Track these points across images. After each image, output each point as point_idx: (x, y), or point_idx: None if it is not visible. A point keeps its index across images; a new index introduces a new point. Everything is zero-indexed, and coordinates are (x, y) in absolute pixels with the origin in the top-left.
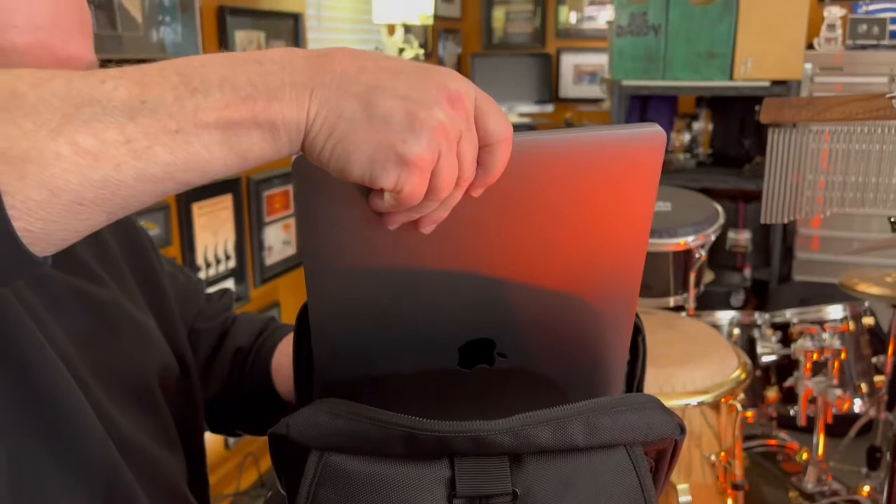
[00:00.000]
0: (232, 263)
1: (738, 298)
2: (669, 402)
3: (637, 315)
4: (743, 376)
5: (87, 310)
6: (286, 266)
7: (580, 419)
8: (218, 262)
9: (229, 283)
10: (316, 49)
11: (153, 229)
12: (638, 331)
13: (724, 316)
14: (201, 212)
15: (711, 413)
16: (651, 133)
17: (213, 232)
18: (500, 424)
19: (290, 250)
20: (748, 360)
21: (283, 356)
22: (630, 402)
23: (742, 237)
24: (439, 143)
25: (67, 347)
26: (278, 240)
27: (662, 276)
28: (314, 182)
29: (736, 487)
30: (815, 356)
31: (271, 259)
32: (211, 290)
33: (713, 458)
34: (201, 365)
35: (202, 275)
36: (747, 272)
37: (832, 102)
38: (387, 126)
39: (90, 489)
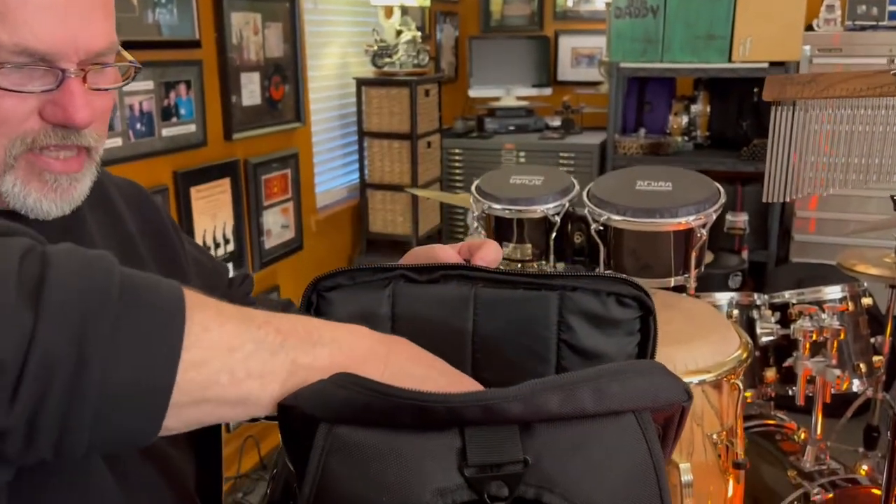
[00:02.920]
0: (231, 247)
1: (735, 280)
2: None
3: (648, 295)
4: (744, 355)
5: None
6: (285, 250)
7: (589, 385)
8: (217, 245)
9: (228, 267)
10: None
11: None
12: (649, 312)
13: (724, 297)
14: (199, 195)
15: (713, 392)
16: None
17: (212, 216)
18: (509, 392)
19: (289, 234)
20: (749, 340)
21: None
22: (637, 367)
23: (740, 219)
24: None
25: None
26: (277, 224)
27: (663, 257)
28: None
29: (737, 466)
30: (813, 336)
31: (270, 243)
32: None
33: (715, 436)
34: None
35: None
36: (745, 254)
37: (835, 79)
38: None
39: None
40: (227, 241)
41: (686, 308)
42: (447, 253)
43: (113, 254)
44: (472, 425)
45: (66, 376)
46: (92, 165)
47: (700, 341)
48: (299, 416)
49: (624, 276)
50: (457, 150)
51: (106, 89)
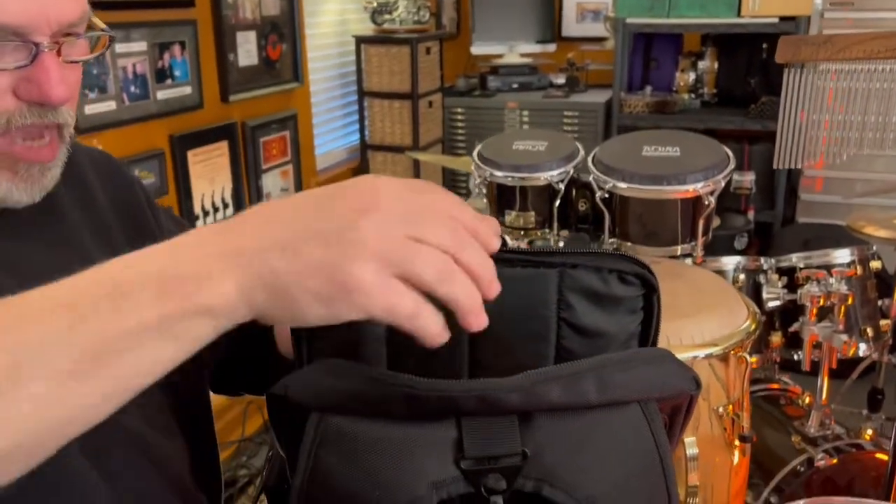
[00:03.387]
0: (230, 211)
1: (741, 241)
2: (677, 356)
3: (651, 273)
4: (752, 326)
5: None
6: None
7: (592, 375)
8: (216, 210)
9: None
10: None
11: (148, 178)
12: (653, 289)
13: (730, 261)
14: (197, 159)
15: (720, 365)
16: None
17: (210, 180)
18: (508, 382)
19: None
20: (757, 310)
21: None
22: (644, 356)
23: (746, 179)
24: (377, 256)
25: None
26: (276, 187)
27: (670, 224)
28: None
29: (743, 439)
30: (821, 301)
31: None
32: None
33: (721, 410)
34: None
35: (200, 223)
36: (751, 214)
37: (852, 40)
38: (323, 267)
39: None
40: (226, 206)
41: (693, 278)
42: None
43: (85, 230)
44: (469, 416)
45: None
46: (64, 148)
47: (707, 313)
48: (289, 404)
49: (626, 253)
50: (459, 110)
51: (79, 61)
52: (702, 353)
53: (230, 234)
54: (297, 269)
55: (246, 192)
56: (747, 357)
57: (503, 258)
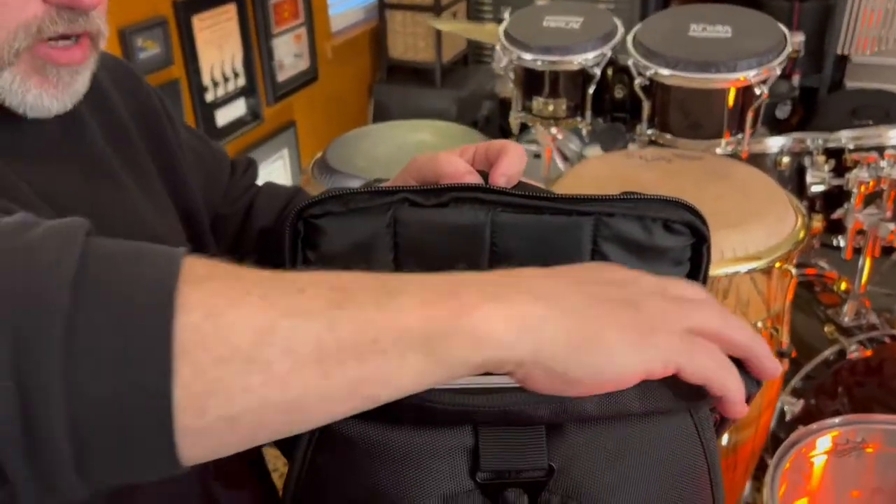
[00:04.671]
0: (241, 81)
1: (784, 110)
2: (717, 270)
3: (703, 220)
4: (801, 235)
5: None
6: (300, 82)
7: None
8: (226, 80)
9: (240, 103)
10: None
11: (152, 48)
12: (703, 239)
13: (774, 143)
14: (203, 25)
15: (762, 278)
16: None
17: (219, 47)
18: (536, 395)
19: (303, 64)
20: (806, 215)
21: None
22: None
23: (795, 40)
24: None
25: None
26: (289, 53)
27: (716, 116)
28: None
29: (781, 355)
30: (870, 185)
31: (283, 75)
32: (222, 110)
33: (759, 324)
34: (227, 250)
35: (210, 95)
36: (796, 79)
37: None
38: (651, 315)
39: None
40: (236, 75)
41: (739, 179)
42: (457, 165)
43: (110, 150)
44: (489, 425)
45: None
46: (96, 55)
47: (753, 223)
48: None
49: (677, 198)
50: None
51: None
52: (744, 267)
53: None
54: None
55: (257, 59)
56: (792, 271)
57: (531, 205)
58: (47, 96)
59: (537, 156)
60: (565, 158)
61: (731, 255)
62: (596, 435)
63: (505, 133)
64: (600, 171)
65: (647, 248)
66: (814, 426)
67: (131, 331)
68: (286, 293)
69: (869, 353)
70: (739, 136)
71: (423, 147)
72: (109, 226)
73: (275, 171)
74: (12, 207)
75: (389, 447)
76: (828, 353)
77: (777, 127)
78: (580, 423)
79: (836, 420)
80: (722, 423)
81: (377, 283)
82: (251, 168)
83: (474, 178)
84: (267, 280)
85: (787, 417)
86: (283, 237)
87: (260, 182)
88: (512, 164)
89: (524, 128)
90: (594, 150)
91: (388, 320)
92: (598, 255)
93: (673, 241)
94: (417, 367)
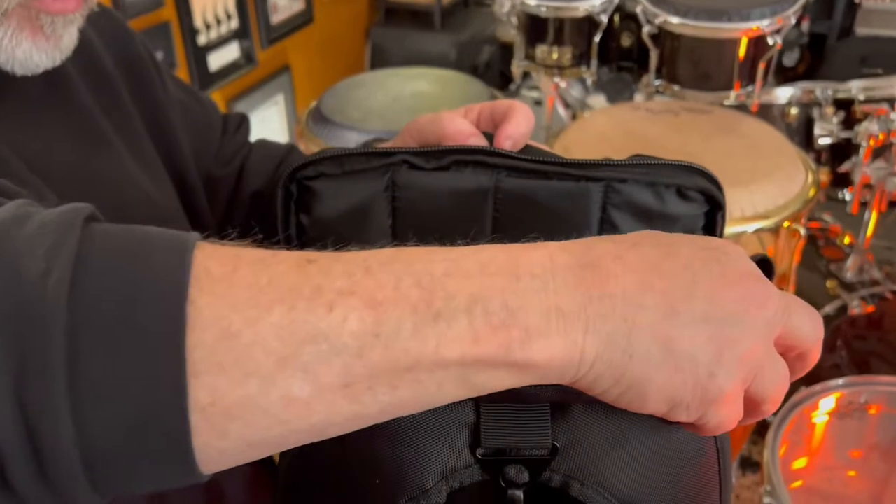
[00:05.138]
0: (234, 23)
1: (791, 57)
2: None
3: (719, 186)
4: (811, 193)
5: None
6: (294, 24)
7: None
8: (219, 22)
9: (233, 46)
10: (578, 246)
11: None
12: (718, 206)
13: (783, 94)
14: None
15: (769, 237)
16: None
17: None
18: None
19: (298, 5)
20: (815, 171)
21: None
22: None
23: None
24: (751, 367)
25: None
26: None
27: (726, 66)
28: None
29: None
30: (880, 137)
31: (277, 17)
32: (215, 54)
33: None
34: (220, 214)
35: (202, 38)
36: (805, 25)
37: None
38: (692, 363)
39: None
40: (229, 17)
41: (749, 134)
42: (459, 126)
43: (100, 111)
44: (491, 401)
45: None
46: (88, 7)
47: (763, 181)
48: None
49: (691, 163)
50: None
51: None
52: (752, 226)
53: (592, 288)
54: (664, 366)
55: (250, 0)
56: (801, 230)
57: (537, 170)
58: (37, 50)
59: (538, 103)
60: (567, 106)
61: (738, 215)
62: (603, 416)
63: (507, 80)
64: (605, 125)
65: (657, 215)
66: (817, 387)
67: (137, 350)
68: (313, 309)
69: (871, 308)
70: (749, 88)
71: (421, 97)
72: (106, 197)
73: (270, 117)
74: (6, 186)
75: (388, 423)
76: (829, 308)
77: (783, 74)
78: (588, 404)
79: (840, 381)
80: None
81: (422, 300)
82: (244, 124)
83: (478, 140)
84: (295, 286)
85: None
86: (275, 201)
87: (251, 139)
88: (519, 125)
89: (526, 74)
90: (598, 99)
91: (428, 353)
92: (606, 223)
93: (686, 208)
94: (454, 394)
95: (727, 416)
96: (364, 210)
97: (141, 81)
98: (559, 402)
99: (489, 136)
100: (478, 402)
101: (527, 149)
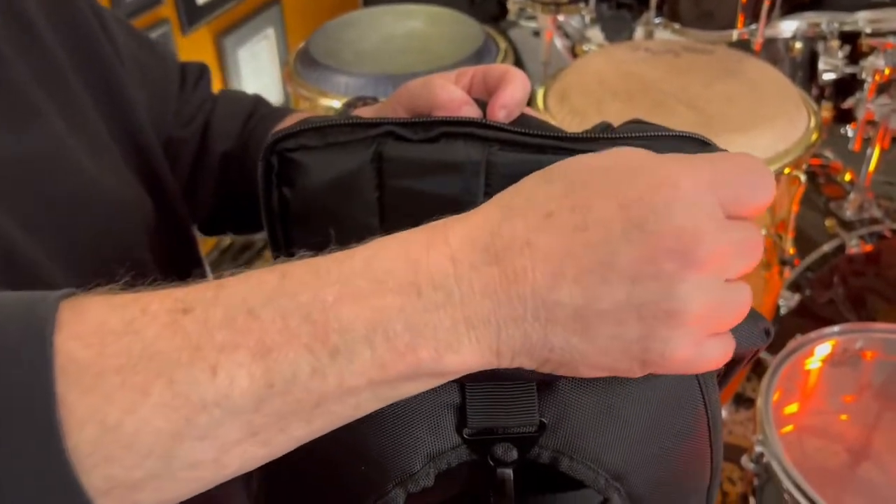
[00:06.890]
0: None
1: None
2: None
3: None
4: (813, 138)
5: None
6: None
7: None
8: None
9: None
10: (484, 229)
11: None
12: None
13: (787, 28)
14: None
15: None
16: None
17: None
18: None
19: None
20: (818, 112)
21: None
22: None
23: None
24: (700, 326)
25: (13, 230)
26: None
27: (729, 3)
28: None
29: (783, 263)
30: (886, 72)
31: None
32: None
33: (763, 231)
34: (184, 178)
35: None
36: None
37: None
38: (620, 343)
39: None
40: None
41: (751, 77)
42: (452, 93)
43: (31, 74)
44: (475, 381)
45: None
46: None
47: (763, 127)
48: None
49: (692, 133)
50: None
51: None
52: None
53: (500, 290)
54: (588, 350)
55: None
56: (801, 178)
57: (532, 143)
58: None
59: (536, 34)
60: (567, 36)
61: None
62: (591, 390)
63: (503, 12)
64: (603, 67)
65: None
66: (812, 335)
67: (17, 462)
68: (194, 376)
69: (869, 247)
70: (753, 26)
71: (414, 37)
72: (37, 177)
73: (260, 52)
74: None
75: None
76: (827, 247)
77: (790, 3)
78: (574, 379)
79: (836, 328)
80: (726, 375)
81: (315, 338)
82: (204, 76)
83: (472, 110)
84: (170, 353)
85: (783, 311)
86: (245, 162)
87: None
88: (514, 94)
89: (522, 10)
90: (596, 32)
91: (331, 389)
92: None
93: None
94: (376, 406)
95: (699, 360)
96: (349, 184)
97: (83, 43)
98: (544, 379)
99: (483, 105)
100: (462, 383)
101: (521, 119)
